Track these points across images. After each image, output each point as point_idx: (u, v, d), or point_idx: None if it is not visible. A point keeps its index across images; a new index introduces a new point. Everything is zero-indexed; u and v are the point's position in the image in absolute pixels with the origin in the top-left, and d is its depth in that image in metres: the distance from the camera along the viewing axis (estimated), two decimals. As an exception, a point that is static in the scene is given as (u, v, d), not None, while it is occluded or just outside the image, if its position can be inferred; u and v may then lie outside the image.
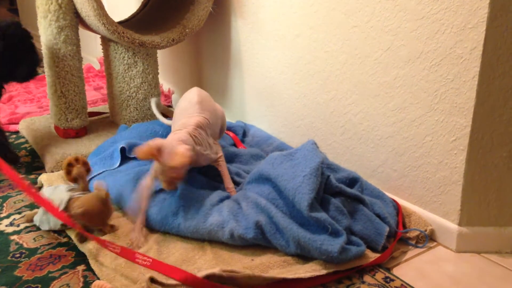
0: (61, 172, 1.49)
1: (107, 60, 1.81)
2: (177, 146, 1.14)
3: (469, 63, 1.09)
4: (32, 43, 1.54)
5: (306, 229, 1.10)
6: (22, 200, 1.40)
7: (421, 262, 1.15)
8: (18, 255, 1.15)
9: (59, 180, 1.43)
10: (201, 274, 1.00)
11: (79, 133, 1.77)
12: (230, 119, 1.90)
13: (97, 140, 1.73)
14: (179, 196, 1.25)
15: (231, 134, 1.69)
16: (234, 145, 1.64)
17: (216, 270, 1.00)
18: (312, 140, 1.28)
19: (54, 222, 1.21)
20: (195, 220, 1.18)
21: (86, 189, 1.24)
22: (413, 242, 1.21)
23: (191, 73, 2.14)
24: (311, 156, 1.19)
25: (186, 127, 1.25)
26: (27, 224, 1.28)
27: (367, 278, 1.08)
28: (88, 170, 1.26)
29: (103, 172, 1.43)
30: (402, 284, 1.07)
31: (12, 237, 1.23)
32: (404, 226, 1.24)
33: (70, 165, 1.23)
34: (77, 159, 1.24)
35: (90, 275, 1.08)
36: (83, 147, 1.67)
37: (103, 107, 2.11)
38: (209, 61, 2.00)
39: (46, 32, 1.64)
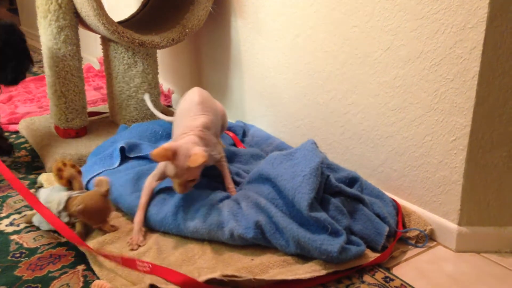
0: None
1: (107, 60, 1.81)
2: (192, 147, 1.15)
3: (469, 63, 1.09)
4: (25, 47, 1.50)
5: (306, 229, 1.10)
6: (22, 200, 1.40)
7: (420, 262, 1.15)
8: (18, 255, 1.15)
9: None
10: (201, 278, 1.00)
11: (79, 133, 1.77)
12: (230, 119, 1.90)
13: (97, 140, 1.73)
14: (179, 196, 1.25)
15: (231, 134, 1.70)
16: (234, 145, 1.64)
17: (216, 275, 1.00)
18: (312, 139, 1.28)
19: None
20: (195, 220, 1.18)
21: (82, 189, 1.24)
22: (413, 242, 1.21)
23: (191, 73, 2.14)
24: (311, 156, 1.19)
25: (192, 129, 1.24)
26: (27, 224, 1.28)
27: (367, 278, 1.08)
28: (78, 172, 1.25)
29: (102, 172, 1.43)
30: (402, 284, 1.07)
31: (12, 237, 1.23)
32: (404, 226, 1.24)
33: (59, 170, 1.23)
34: (64, 164, 1.24)
35: (90, 275, 1.08)
36: (83, 147, 1.67)
37: (103, 107, 2.11)
38: (209, 61, 2.00)
39: (46, 32, 1.64)
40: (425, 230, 1.22)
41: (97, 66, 2.87)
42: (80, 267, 1.11)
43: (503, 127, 1.13)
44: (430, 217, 1.24)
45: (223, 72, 1.93)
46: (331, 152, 1.51)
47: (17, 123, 2.00)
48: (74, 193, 1.20)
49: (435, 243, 1.23)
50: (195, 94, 1.37)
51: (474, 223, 1.19)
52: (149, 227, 1.23)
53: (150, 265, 1.03)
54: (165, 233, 1.21)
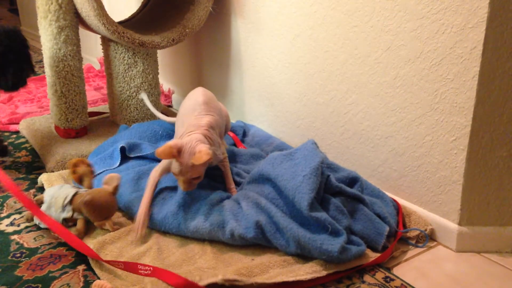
0: (62, 172, 1.50)
1: (107, 60, 1.81)
2: (197, 145, 1.16)
3: (469, 62, 1.09)
4: (27, 53, 1.49)
5: (306, 229, 1.10)
6: (23, 200, 1.40)
7: (421, 262, 1.15)
8: (18, 255, 1.15)
9: (59, 180, 1.43)
10: (202, 282, 1.00)
11: (80, 133, 1.77)
12: (231, 119, 1.90)
13: (97, 140, 1.73)
14: (180, 196, 1.25)
15: (231, 134, 1.70)
16: (234, 145, 1.64)
17: (217, 279, 1.00)
18: (312, 139, 1.28)
19: (56, 219, 1.21)
20: (196, 220, 1.18)
21: (91, 188, 1.27)
22: (413, 242, 1.21)
23: (191, 73, 2.14)
24: (311, 156, 1.20)
25: (198, 128, 1.25)
26: (28, 224, 1.28)
27: (367, 278, 1.08)
28: (92, 172, 1.29)
29: (103, 171, 1.43)
30: (402, 284, 1.07)
31: (12, 237, 1.23)
32: (404, 226, 1.24)
33: (75, 165, 1.27)
34: (82, 161, 1.28)
35: (90, 275, 1.08)
36: (83, 147, 1.67)
37: (103, 107, 2.11)
38: (209, 61, 2.00)
39: (46, 32, 1.64)
40: (426, 230, 1.22)
41: (97, 66, 2.87)
42: (81, 267, 1.11)
43: (503, 127, 1.13)
44: (431, 217, 1.24)
45: (223, 72, 1.93)
46: (331, 152, 1.51)
47: (17, 123, 2.00)
48: (81, 190, 1.23)
49: (435, 243, 1.23)
50: (199, 93, 1.37)
51: (474, 223, 1.19)
52: (149, 227, 1.23)
53: (151, 268, 1.03)
54: (166, 233, 1.21)
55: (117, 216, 1.28)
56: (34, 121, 1.91)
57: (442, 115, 1.17)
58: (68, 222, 1.22)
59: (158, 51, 2.17)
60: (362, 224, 1.17)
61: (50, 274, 1.08)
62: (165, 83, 2.36)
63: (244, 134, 1.73)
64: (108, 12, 1.60)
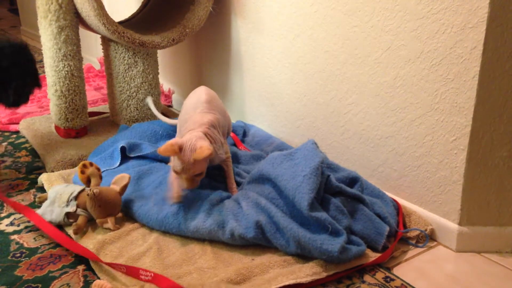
0: (62, 172, 1.49)
1: (107, 60, 1.81)
2: (197, 142, 1.17)
3: (469, 62, 1.09)
4: (33, 69, 1.45)
5: (306, 229, 1.10)
6: (22, 200, 1.40)
7: (421, 262, 1.15)
8: (18, 255, 1.15)
9: (59, 180, 1.43)
10: None
11: (80, 133, 1.77)
12: (231, 119, 1.89)
13: (97, 140, 1.73)
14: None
15: (231, 134, 1.69)
16: (234, 145, 1.64)
17: None
18: (312, 139, 1.28)
19: (57, 215, 1.22)
20: (196, 220, 1.18)
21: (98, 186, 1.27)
22: (413, 242, 1.21)
23: (191, 73, 2.14)
24: (311, 156, 1.19)
25: (199, 126, 1.25)
26: (27, 224, 1.28)
27: (367, 278, 1.08)
28: (100, 175, 1.30)
29: (103, 171, 1.43)
30: (402, 284, 1.07)
31: (12, 237, 1.23)
32: (405, 226, 1.24)
33: (84, 166, 1.29)
34: (91, 163, 1.30)
35: (90, 275, 1.08)
36: (83, 147, 1.67)
37: (103, 107, 2.11)
38: (209, 61, 2.00)
39: (46, 32, 1.64)
40: (426, 230, 1.22)
41: (97, 66, 2.87)
42: (81, 267, 1.11)
43: (504, 127, 1.13)
44: (431, 217, 1.24)
45: (223, 72, 1.93)
46: (331, 152, 1.51)
47: (17, 123, 2.00)
48: (88, 188, 1.25)
49: (435, 243, 1.23)
50: (202, 92, 1.37)
51: (474, 223, 1.19)
52: (149, 226, 1.23)
53: (152, 274, 1.02)
54: (166, 232, 1.21)
55: (118, 216, 1.28)
56: (34, 121, 1.91)
57: (442, 115, 1.17)
58: (70, 219, 1.22)
59: (158, 51, 2.17)
60: (362, 224, 1.17)
61: (50, 274, 1.08)
62: (165, 83, 2.36)
63: (244, 134, 1.73)
64: (108, 12, 1.60)
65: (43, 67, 1.71)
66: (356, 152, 1.43)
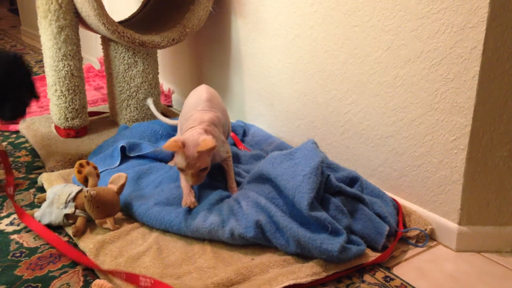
0: (62, 172, 1.49)
1: (107, 60, 1.81)
2: (200, 136, 1.19)
3: (469, 62, 1.09)
4: (29, 82, 1.40)
5: (306, 228, 1.10)
6: (22, 200, 1.40)
7: (421, 261, 1.15)
8: (18, 255, 1.15)
9: (59, 180, 1.43)
10: None
11: (80, 132, 1.77)
12: (231, 118, 1.89)
13: (97, 139, 1.73)
14: (180, 195, 1.25)
15: (231, 133, 1.69)
16: (234, 144, 1.64)
17: None
18: (312, 139, 1.28)
19: (56, 216, 1.22)
20: (196, 219, 1.18)
21: (95, 187, 1.27)
22: (413, 241, 1.21)
23: (191, 73, 2.14)
24: (311, 156, 1.19)
25: (200, 123, 1.26)
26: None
27: (367, 277, 1.08)
28: (97, 174, 1.30)
29: (103, 171, 1.43)
30: (402, 283, 1.07)
31: (12, 236, 1.23)
32: (404, 226, 1.24)
33: (81, 166, 1.28)
34: (87, 162, 1.30)
35: (90, 274, 1.08)
36: (83, 146, 1.67)
37: (103, 107, 2.11)
38: (209, 61, 2.00)
39: (46, 32, 1.64)
40: (426, 229, 1.22)
41: (97, 66, 2.87)
42: (80, 267, 1.11)
43: (503, 127, 1.13)
44: (431, 217, 1.24)
45: (223, 72, 1.93)
46: (331, 152, 1.51)
47: (17, 123, 2.00)
48: (86, 189, 1.24)
49: (435, 242, 1.23)
50: (203, 90, 1.38)
51: (474, 222, 1.19)
52: (149, 225, 1.23)
53: (153, 281, 1.02)
54: (166, 232, 1.21)
55: (117, 216, 1.28)
56: (34, 121, 1.91)
57: (442, 115, 1.17)
58: (69, 220, 1.22)
59: (158, 50, 2.17)
60: (362, 223, 1.17)
61: (50, 274, 1.08)
62: (165, 83, 2.36)
63: (244, 133, 1.73)
64: (108, 12, 1.60)
65: (43, 67, 1.71)
66: (356, 152, 1.43)
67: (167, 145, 1.16)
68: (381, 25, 1.27)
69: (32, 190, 1.46)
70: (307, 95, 1.56)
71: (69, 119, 1.73)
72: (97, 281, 1.01)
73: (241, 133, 1.72)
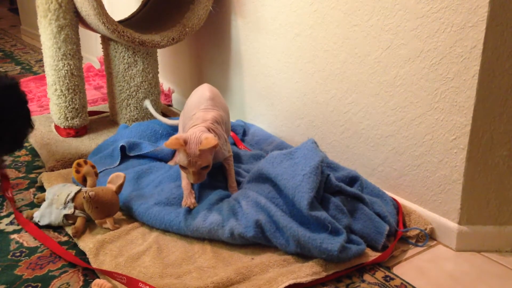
0: (61, 171, 1.49)
1: (107, 59, 1.81)
2: (202, 134, 1.19)
3: (469, 62, 1.09)
4: (25, 111, 1.32)
5: (306, 228, 1.10)
6: (22, 199, 1.40)
7: (421, 261, 1.15)
8: (18, 254, 1.15)
9: (59, 179, 1.43)
10: None
11: (79, 132, 1.77)
12: (231, 118, 1.89)
13: (97, 139, 1.73)
14: (180, 195, 1.25)
15: (231, 133, 1.70)
16: (234, 144, 1.64)
17: None
18: (312, 139, 1.28)
19: (55, 217, 1.22)
20: (196, 219, 1.18)
21: (94, 186, 1.27)
22: (413, 241, 1.21)
23: (191, 72, 2.14)
24: (311, 155, 1.19)
25: (203, 121, 1.26)
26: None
27: (367, 277, 1.08)
28: (95, 173, 1.30)
29: (103, 171, 1.43)
30: (402, 283, 1.07)
31: (12, 236, 1.23)
32: (404, 225, 1.24)
33: (79, 165, 1.29)
34: (85, 161, 1.30)
35: (90, 274, 1.08)
36: (83, 146, 1.67)
37: (103, 106, 2.11)
38: (209, 60, 2.00)
39: (46, 31, 1.64)
40: (426, 229, 1.22)
41: (97, 65, 2.87)
42: (80, 266, 1.11)
43: (503, 126, 1.13)
44: (431, 216, 1.24)
45: (223, 71, 1.93)
46: (331, 151, 1.51)
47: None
48: (85, 189, 1.24)
49: (435, 242, 1.23)
50: (205, 89, 1.38)
51: (474, 222, 1.19)
52: (149, 224, 1.23)
53: None
54: (165, 231, 1.21)
55: (117, 215, 1.28)
56: (34, 120, 1.90)
57: (442, 114, 1.17)
58: (69, 220, 1.22)
59: (158, 50, 2.17)
60: (362, 223, 1.17)
61: (50, 273, 1.08)
62: (165, 82, 2.36)
63: (244, 133, 1.73)
64: (108, 11, 1.60)
65: (43, 66, 1.71)
66: (356, 151, 1.43)
67: (169, 142, 1.17)
68: (381, 25, 1.27)
69: (32, 190, 1.46)
70: (307, 95, 1.56)
71: (69, 119, 1.73)
72: (97, 281, 1.01)
73: (241, 132, 1.72)
